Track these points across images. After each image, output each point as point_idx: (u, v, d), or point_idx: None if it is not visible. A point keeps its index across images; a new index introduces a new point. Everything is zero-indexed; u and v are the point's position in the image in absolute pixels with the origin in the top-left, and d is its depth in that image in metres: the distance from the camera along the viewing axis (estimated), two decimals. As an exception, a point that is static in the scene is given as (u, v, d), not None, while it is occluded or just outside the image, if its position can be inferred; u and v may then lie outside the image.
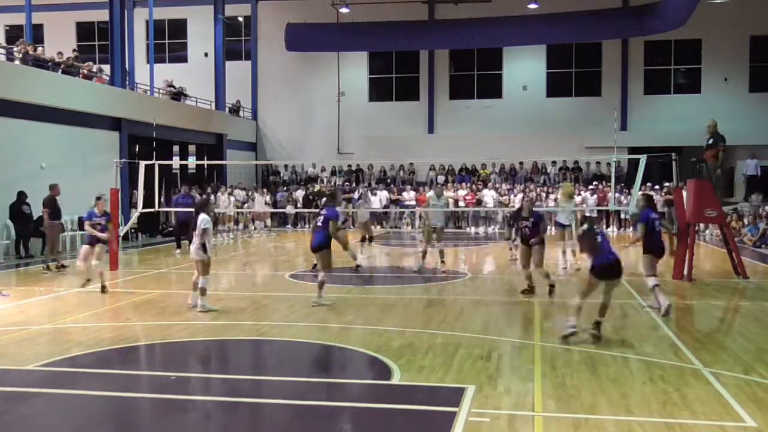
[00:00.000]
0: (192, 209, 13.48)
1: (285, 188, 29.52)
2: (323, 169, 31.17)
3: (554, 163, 28.98)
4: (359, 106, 32.15)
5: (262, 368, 8.12)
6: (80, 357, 7.81)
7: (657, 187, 25.39)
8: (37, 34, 29.27)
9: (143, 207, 17.34)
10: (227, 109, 30.64)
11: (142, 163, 17.18)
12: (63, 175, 18.98)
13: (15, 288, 13.03)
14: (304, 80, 32.51)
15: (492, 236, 24.46)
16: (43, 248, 16.38)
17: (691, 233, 13.46)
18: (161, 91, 26.56)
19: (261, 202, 26.55)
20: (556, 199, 25.64)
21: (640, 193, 13.14)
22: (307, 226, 27.29)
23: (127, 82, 24.11)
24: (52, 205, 15.09)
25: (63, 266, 14.94)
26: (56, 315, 10.36)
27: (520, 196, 26.30)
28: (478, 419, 5.69)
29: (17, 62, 19.38)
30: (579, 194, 26.11)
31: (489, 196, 26.72)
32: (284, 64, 32.15)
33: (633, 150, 25.42)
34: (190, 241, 11.93)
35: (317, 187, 28.52)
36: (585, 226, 8.76)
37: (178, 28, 33.45)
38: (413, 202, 26.83)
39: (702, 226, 20.97)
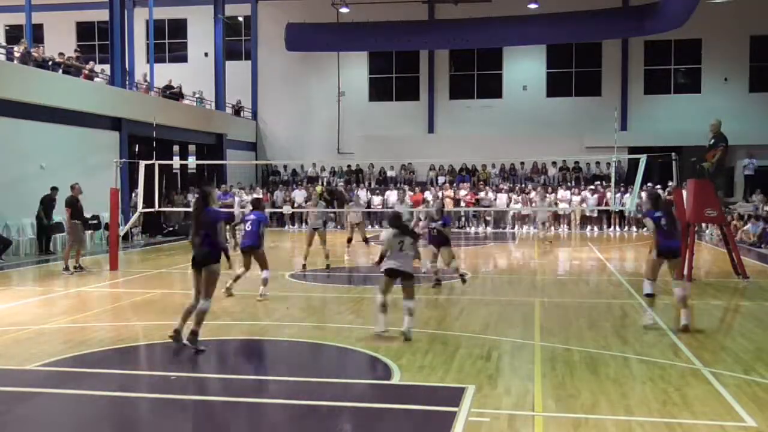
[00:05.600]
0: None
1: (289, 187, 29.52)
2: (323, 169, 31.17)
3: (554, 163, 28.98)
4: (359, 106, 32.14)
5: (261, 368, 8.12)
6: (80, 357, 7.80)
7: (658, 186, 25.43)
8: (37, 34, 29.27)
9: (143, 207, 17.35)
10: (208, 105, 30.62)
11: (142, 163, 17.19)
12: (63, 175, 18.99)
13: (15, 288, 13.04)
14: (304, 80, 32.50)
15: (491, 236, 24.47)
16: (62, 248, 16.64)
17: (691, 233, 13.45)
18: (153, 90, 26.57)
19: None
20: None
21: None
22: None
23: (126, 82, 24.12)
24: (73, 204, 15.02)
25: (80, 267, 14.66)
26: (56, 315, 10.36)
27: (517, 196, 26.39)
28: (478, 419, 5.69)
29: (17, 62, 19.38)
30: (579, 194, 26.22)
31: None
32: (284, 64, 32.15)
33: (633, 150, 25.42)
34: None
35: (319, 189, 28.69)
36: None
37: (178, 27, 33.44)
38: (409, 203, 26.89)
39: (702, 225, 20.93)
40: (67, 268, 14.40)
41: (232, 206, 19.99)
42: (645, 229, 24.77)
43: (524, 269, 15.75)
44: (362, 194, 27.50)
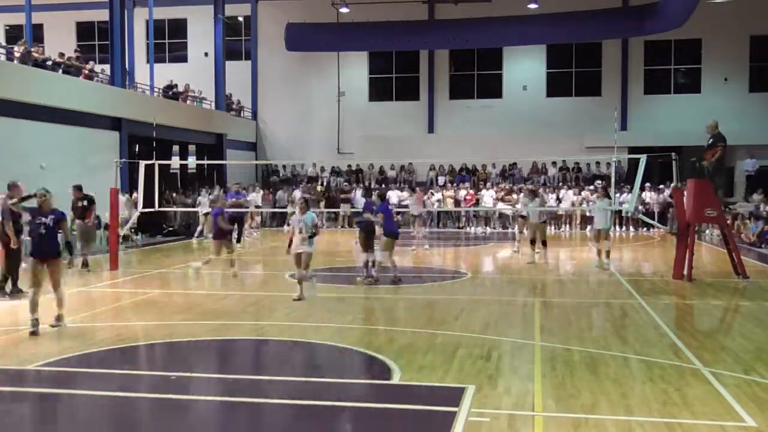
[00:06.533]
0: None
1: (290, 187, 29.53)
2: (323, 169, 31.15)
3: (554, 163, 28.97)
4: (359, 106, 32.14)
5: (262, 368, 8.12)
6: (80, 357, 7.80)
7: (661, 186, 25.45)
8: (37, 34, 29.28)
9: (143, 207, 17.35)
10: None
11: (142, 163, 17.19)
12: (63, 175, 18.97)
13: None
14: (304, 80, 32.50)
15: (491, 236, 24.46)
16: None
17: (691, 233, 13.45)
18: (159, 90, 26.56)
19: (258, 200, 26.67)
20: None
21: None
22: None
23: (127, 82, 24.11)
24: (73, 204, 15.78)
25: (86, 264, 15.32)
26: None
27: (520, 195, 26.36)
28: (478, 419, 5.69)
29: (17, 62, 19.38)
30: (579, 194, 26.20)
31: (488, 196, 26.73)
32: (284, 64, 32.15)
33: (633, 150, 25.41)
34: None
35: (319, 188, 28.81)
36: None
37: (178, 27, 33.43)
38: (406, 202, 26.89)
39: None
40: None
41: (242, 205, 20.16)
42: (645, 228, 24.89)
43: (525, 269, 15.71)
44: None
